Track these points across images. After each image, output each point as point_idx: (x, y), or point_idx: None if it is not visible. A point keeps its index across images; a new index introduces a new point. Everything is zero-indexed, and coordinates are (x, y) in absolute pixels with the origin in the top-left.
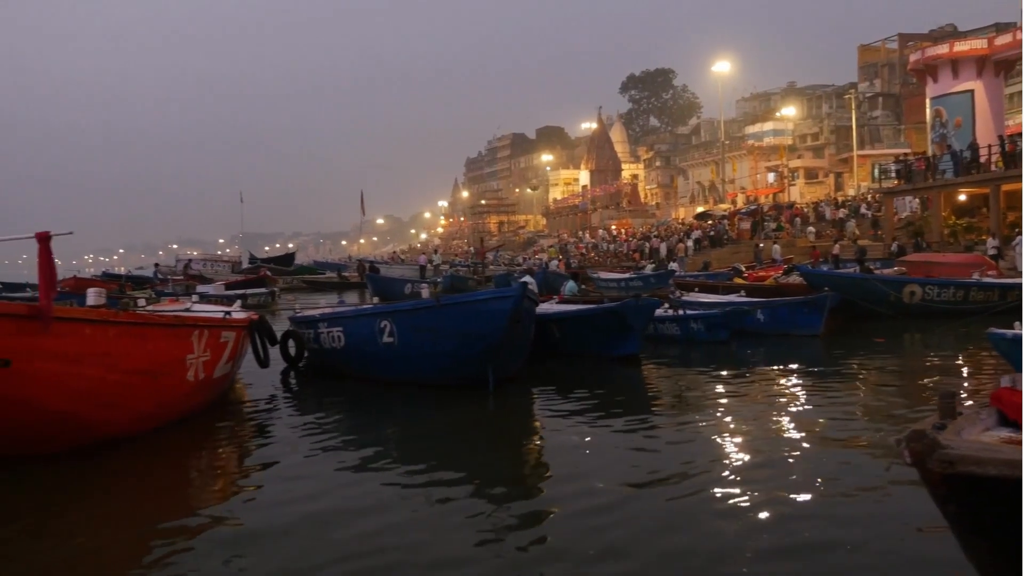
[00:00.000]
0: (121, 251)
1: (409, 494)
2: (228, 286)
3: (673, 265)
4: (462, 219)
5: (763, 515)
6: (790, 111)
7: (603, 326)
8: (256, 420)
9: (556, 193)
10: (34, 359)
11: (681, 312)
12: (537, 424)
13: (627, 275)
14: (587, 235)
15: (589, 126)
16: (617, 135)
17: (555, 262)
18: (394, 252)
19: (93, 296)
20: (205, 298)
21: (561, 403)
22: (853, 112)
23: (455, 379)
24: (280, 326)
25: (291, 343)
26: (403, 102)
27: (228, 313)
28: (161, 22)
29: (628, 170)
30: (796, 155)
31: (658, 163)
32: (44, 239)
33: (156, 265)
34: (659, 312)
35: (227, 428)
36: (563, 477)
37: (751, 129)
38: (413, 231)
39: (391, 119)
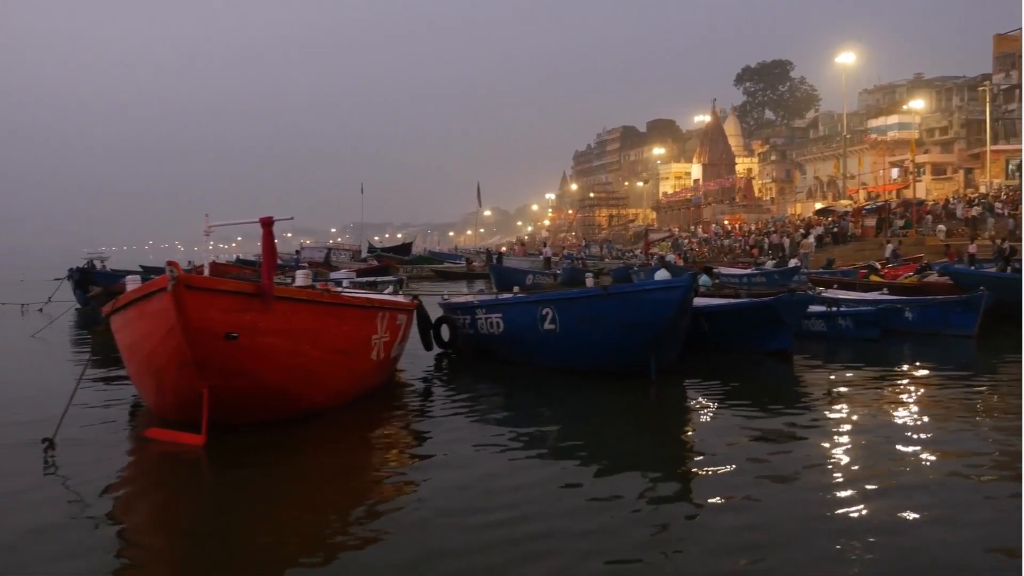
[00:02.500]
0: (239, 238)
1: (572, 480)
2: (359, 273)
3: (793, 262)
4: (570, 212)
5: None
6: (918, 104)
7: (755, 320)
8: (417, 402)
9: (666, 187)
10: (256, 334)
11: (835, 308)
12: (698, 415)
13: (748, 271)
14: (699, 230)
15: (702, 119)
16: (731, 128)
17: (671, 256)
18: (522, 243)
19: (302, 277)
20: (353, 284)
21: (718, 396)
22: (987, 105)
23: (616, 367)
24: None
25: (444, 328)
26: (514, 99)
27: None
28: (303, 38)
29: (742, 164)
30: (923, 150)
31: (773, 157)
32: (267, 224)
33: (297, 252)
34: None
35: (395, 408)
36: (725, 472)
37: (874, 123)
38: (519, 223)
39: (502, 115)
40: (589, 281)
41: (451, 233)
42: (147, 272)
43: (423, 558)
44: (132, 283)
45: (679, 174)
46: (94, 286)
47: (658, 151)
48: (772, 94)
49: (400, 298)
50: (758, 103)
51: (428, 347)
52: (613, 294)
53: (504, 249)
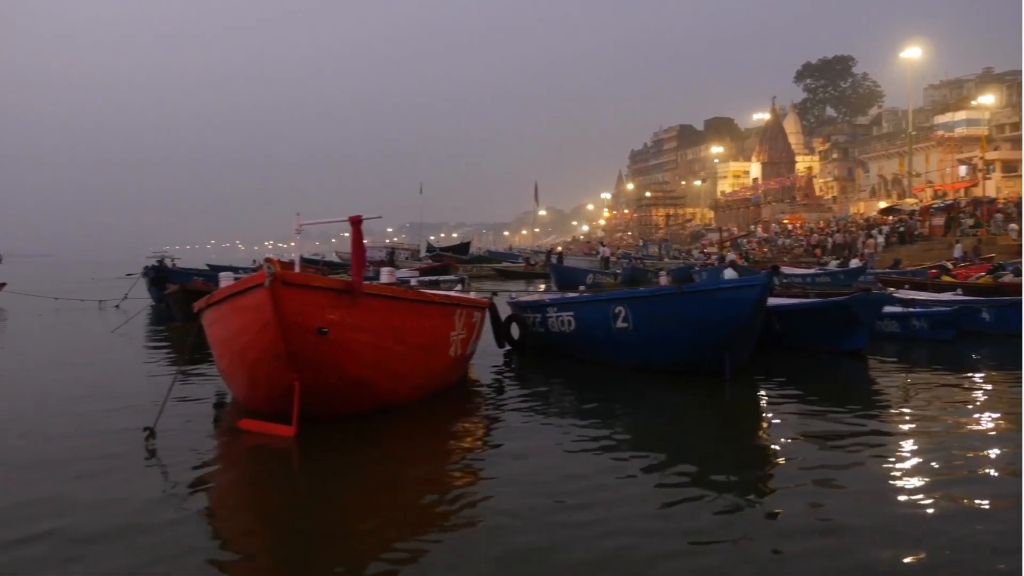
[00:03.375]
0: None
1: (647, 478)
2: (422, 272)
3: (854, 262)
4: (626, 211)
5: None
6: (987, 99)
7: (829, 320)
8: (490, 398)
9: (724, 186)
10: (345, 329)
11: (911, 308)
12: (773, 415)
13: (812, 271)
14: (759, 229)
15: (761, 117)
16: (791, 126)
17: (731, 255)
18: (588, 241)
19: (386, 275)
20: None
21: (793, 396)
22: None
23: (690, 366)
24: None
25: (513, 326)
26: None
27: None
28: (363, 47)
29: (802, 162)
30: (993, 146)
31: (835, 155)
32: (356, 222)
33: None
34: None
35: (469, 404)
36: (800, 472)
37: (941, 119)
38: (575, 223)
39: (558, 115)
40: (663, 280)
41: (506, 233)
42: (214, 271)
43: (497, 550)
44: (226, 280)
45: (737, 173)
46: (170, 284)
47: (716, 150)
48: (833, 91)
49: (474, 296)
50: (819, 100)
51: (501, 345)
52: (688, 293)
53: (560, 249)
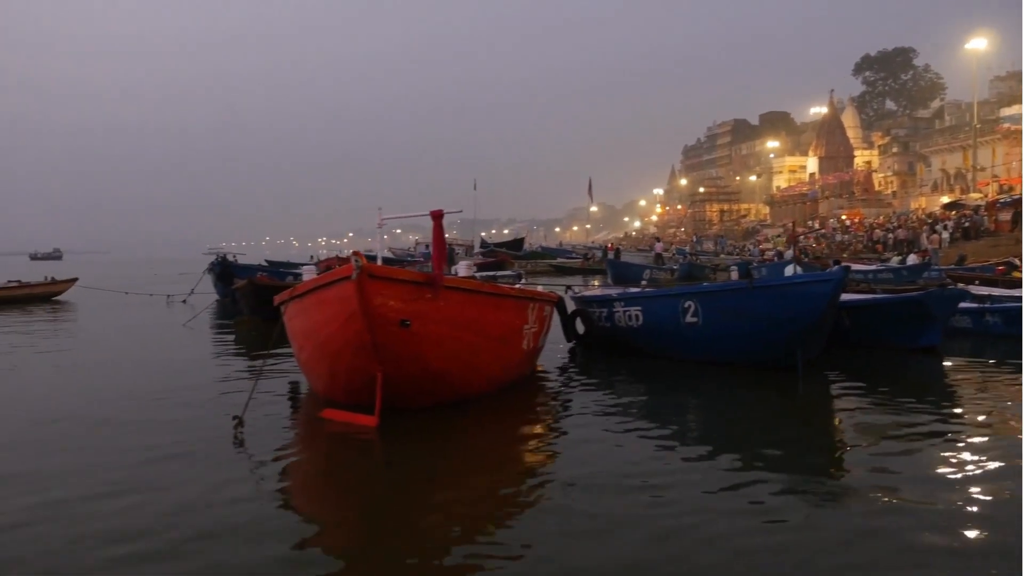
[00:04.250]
0: (351, 235)
1: (718, 474)
2: (479, 268)
3: (911, 258)
4: (679, 207)
5: None
6: None
7: (901, 316)
8: (558, 391)
9: (780, 181)
10: (426, 321)
11: (986, 304)
12: (846, 412)
13: (874, 267)
14: (816, 225)
15: (818, 111)
16: (849, 120)
17: (790, 251)
18: (658, 237)
19: (464, 268)
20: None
21: (865, 392)
22: None
23: (760, 361)
24: None
25: (577, 320)
26: (620, 95)
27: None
28: (412, 48)
29: (860, 157)
30: None
31: (895, 149)
32: (437, 217)
33: (426, 247)
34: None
35: (539, 396)
36: (873, 470)
37: (1007, 111)
38: (626, 218)
39: (609, 111)
40: (733, 274)
41: (557, 229)
42: (272, 266)
43: (569, 545)
44: (309, 273)
45: (793, 168)
46: (237, 279)
47: (771, 144)
48: (894, 83)
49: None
50: (878, 93)
51: (569, 339)
52: (760, 287)
53: (611, 245)
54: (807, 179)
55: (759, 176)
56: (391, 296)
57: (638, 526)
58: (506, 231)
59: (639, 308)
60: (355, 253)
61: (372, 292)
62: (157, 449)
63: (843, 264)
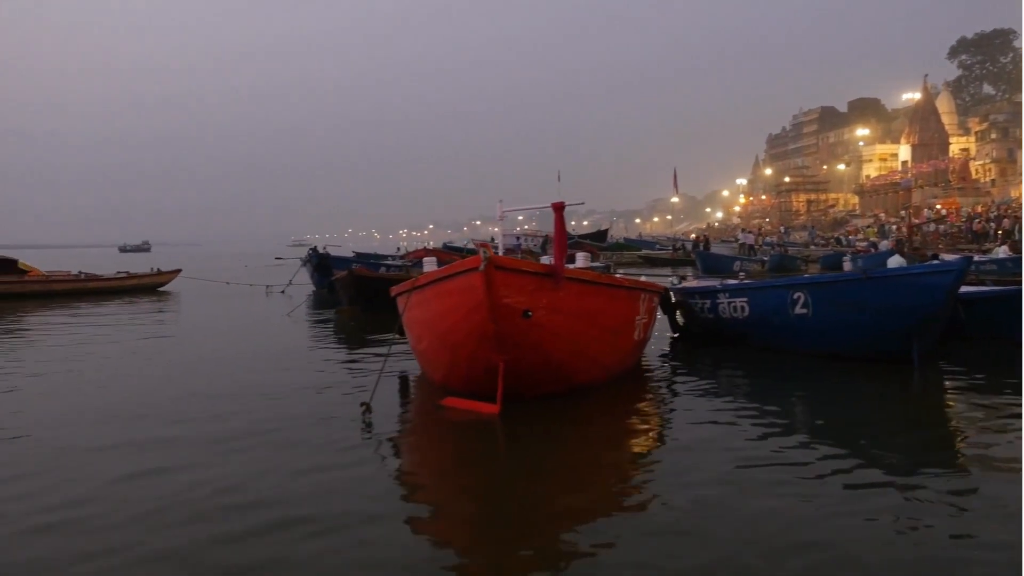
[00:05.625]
0: (431, 227)
1: (834, 474)
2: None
3: (1001, 250)
4: (763, 197)
5: None
6: None
7: (1019, 308)
8: (665, 382)
9: (870, 170)
10: (547, 312)
11: None
12: (965, 407)
13: (977, 258)
14: (910, 215)
15: (910, 97)
16: (944, 105)
17: (885, 242)
18: (759, 229)
19: (582, 259)
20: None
21: (983, 387)
22: None
23: (873, 353)
24: None
25: (677, 312)
26: (702, 83)
27: None
28: (493, 44)
29: (956, 144)
30: None
31: (993, 135)
32: (559, 208)
33: (519, 239)
34: None
35: (646, 387)
36: (990, 465)
37: None
38: (708, 209)
39: (690, 100)
40: (847, 265)
41: (637, 220)
42: (361, 258)
43: (676, 543)
44: (429, 265)
45: (884, 156)
46: (335, 270)
47: (861, 132)
48: (992, 67)
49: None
50: (975, 77)
51: (675, 330)
52: (876, 278)
53: (694, 236)
54: (899, 167)
55: (848, 165)
56: (516, 287)
57: (747, 528)
58: (585, 222)
59: (745, 299)
60: (482, 244)
61: (498, 283)
62: (293, 431)
63: (965, 255)
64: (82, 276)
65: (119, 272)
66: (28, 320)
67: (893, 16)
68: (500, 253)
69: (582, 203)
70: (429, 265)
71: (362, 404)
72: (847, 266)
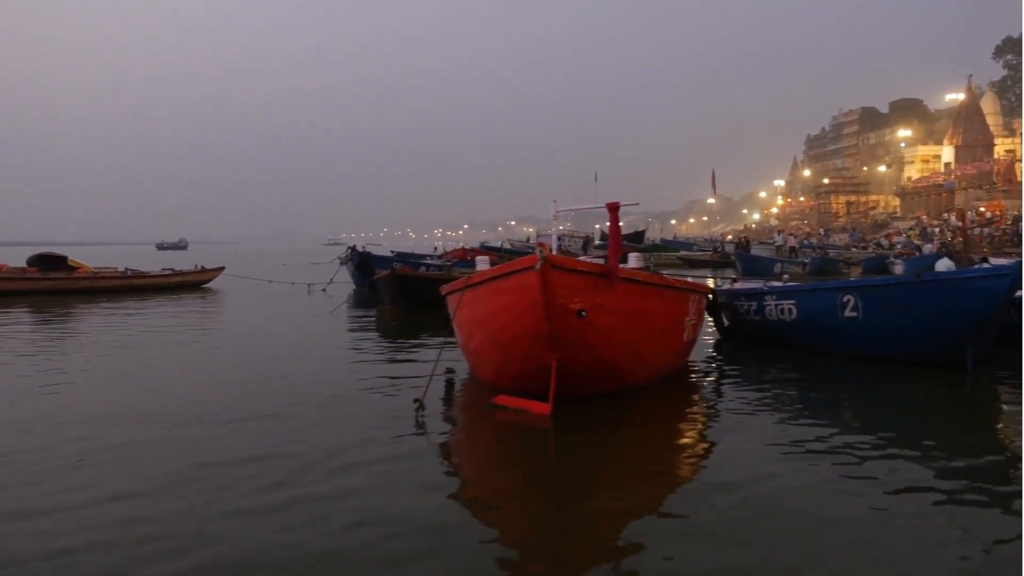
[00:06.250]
0: (465, 226)
1: (875, 479)
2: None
3: None
4: (801, 199)
5: None
6: None
7: None
8: (711, 385)
9: (911, 172)
10: (601, 312)
11: None
12: (1020, 412)
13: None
14: (953, 217)
15: (954, 97)
16: (989, 106)
17: (929, 245)
18: (808, 233)
19: (634, 260)
20: None
21: None
22: None
23: (925, 357)
24: None
25: (722, 314)
26: (739, 83)
27: None
28: (533, 47)
29: (1002, 145)
30: None
31: None
32: (613, 208)
33: (560, 239)
34: None
35: (692, 389)
36: None
37: None
38: (744, 211)
39: (727, 100)
40: (898, 268)
41: (673, 221)
42: (399, 257)
43: (719, 542)
44: (482, 264)
45: (926, 157)
46: (378, 269)
47: (903, 133)
48: None
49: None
50: (1021, 77)
51: (720, 332)
52: (929, 281)
53: (730, 237)
54: (941, 169)
55: (889, 166)
56: (571, 286)
57: (790, 529)
58: (621, 223)
59: (793, 301)
60: (539, 244)
61: (554, 282)
62: (347, 428)
63: (1018, 259)
64: (128, 273)
65: (164, 269)
66: (78, 314)
67: (937, 16)
68: (555, 252)
69: (636, 203)
70: (482, 264)
71: (415, 401)
72: (898, 269)
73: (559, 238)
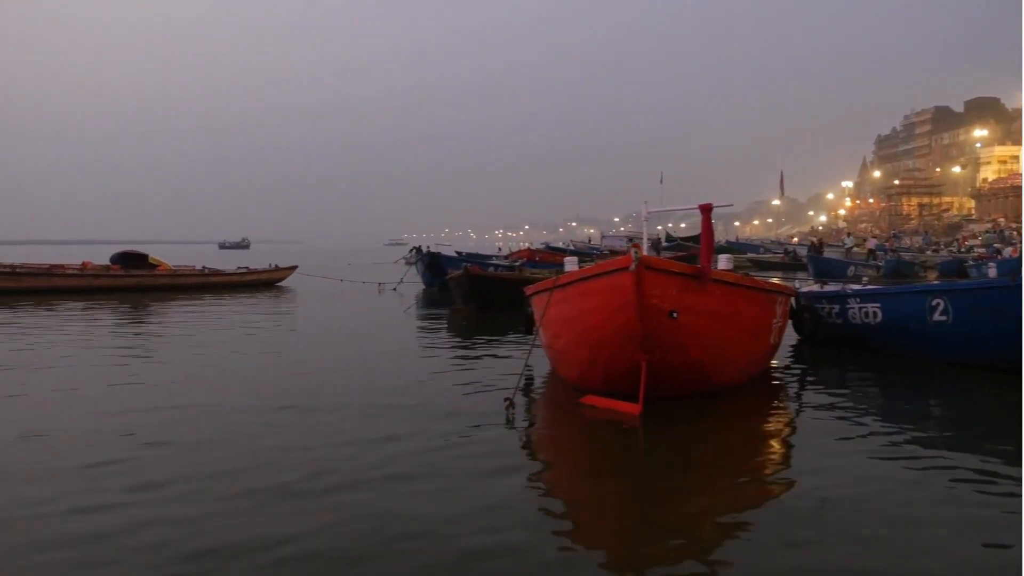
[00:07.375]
0: (526, 227)
1: (957, 485)
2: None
3: None
4: (871, 200)
5: None
6: None
7: None
8: (794, 388)
9: (987, 173)
10: (692, 313)
11: None
12: None
13: None
14: None
15: None
16: None
17: (1009, 248)
18: (894, 234)
19: (725, 261)
20: None
21: None
22: None
23: (1017, 364)
24: None
25: (804, 316)
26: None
27: None
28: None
29: None
30: None
31: None
32: (706, 210)
33: (629, 239)
34: None
35: (777, 391)
36: None
37: None
38: (810, 212)
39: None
40: (991, 272)
41: (736, 223)
42: (464, 257)
43: (799, 544)
44: (570, 264)
45: (1004, 158)
46: (450, 270)
47: (979, 133)
48: None
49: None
50: None
51: (801, 335)
52: None
53: (795, 239)
54: (1019, 170)
55: (963, 167)
56: (664, 287)
57: (868, 532)
58: (683, 225)
59: (877, 305)
60: (634, 245)
61: (648, 283)
62: (439, 423)
63: None
64: (206, 271)
65: (239, 268)
66: (164, 311)
67: (1013, 12)
68: (645, 253)
69: (730, 205)
70: (571, 264)
71: (505, 399)
72: (991, 272)
73: (629, 239)
